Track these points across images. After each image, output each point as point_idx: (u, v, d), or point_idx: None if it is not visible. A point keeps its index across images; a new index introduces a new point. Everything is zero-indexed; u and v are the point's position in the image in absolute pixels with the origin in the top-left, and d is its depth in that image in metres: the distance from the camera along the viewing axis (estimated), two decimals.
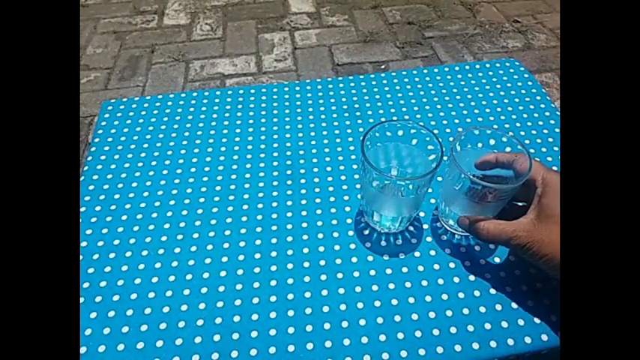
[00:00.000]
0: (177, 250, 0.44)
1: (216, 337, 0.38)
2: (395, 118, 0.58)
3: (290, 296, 0.40)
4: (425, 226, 0.46)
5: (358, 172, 0.51)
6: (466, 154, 0.42)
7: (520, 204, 0.43)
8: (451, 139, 0.55)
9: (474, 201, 0.39)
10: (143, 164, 0.52)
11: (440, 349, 0.37)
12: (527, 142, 0.55)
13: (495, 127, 0.57)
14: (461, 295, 0.40)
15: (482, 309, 0.39)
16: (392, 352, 0.37)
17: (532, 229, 0.36)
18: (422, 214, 0.47)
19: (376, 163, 0.43)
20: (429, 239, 0.45)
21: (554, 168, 0.51)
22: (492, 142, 0.41)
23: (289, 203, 0.48)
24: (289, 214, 0.47)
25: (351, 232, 0.45)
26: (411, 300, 0.40)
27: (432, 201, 0.48)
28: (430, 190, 0.49)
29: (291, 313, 0.39)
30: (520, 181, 0.37)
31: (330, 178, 0.50)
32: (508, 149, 0.40)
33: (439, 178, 0.49)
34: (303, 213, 0.47)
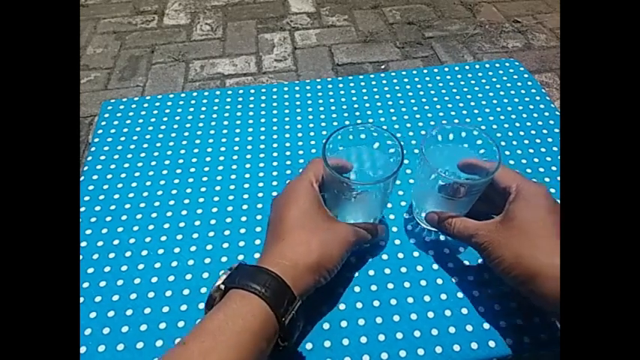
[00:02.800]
0: (176, 250, 0.44)
1: None
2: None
3: None
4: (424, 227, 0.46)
5: None
6: (438, 151, 0.42)
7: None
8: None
9: (447, 197, 0.40)
10: (143, 164, 0.52)
11: (439, 349, 0.37)
12: (526, 142, 0.55)
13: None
14: (459, 294, 0.40)
15: (481, 309, 0.39)
16: (391, 352, 0.37)
17: (493, 230, 0.37)
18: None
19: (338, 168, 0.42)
20: (428, 239, 0.45)
21: (554, 168, 0.51)
22: (463, 134, 0.41)
23: None
24: None
25: None
26: (410, 300, 0.40)
27: None
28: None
29: None
30: (490, 175, 0.37)
31: None
32: (479, 142, 0.40)
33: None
34: None
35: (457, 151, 0.42)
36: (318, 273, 0.35)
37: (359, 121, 0.58)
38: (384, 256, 0.43)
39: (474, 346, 0.37)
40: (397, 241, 0.45)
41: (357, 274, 0.42)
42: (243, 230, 0.46)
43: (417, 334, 0.38)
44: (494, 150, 0.38)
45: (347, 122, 0.57)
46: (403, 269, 0.42)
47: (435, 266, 0.43)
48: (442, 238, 0.45)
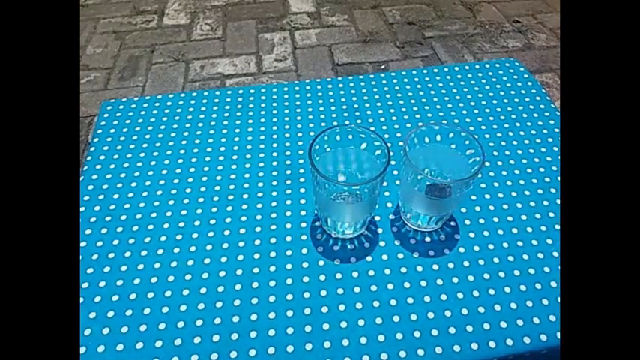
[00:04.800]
0: (176, 250, 0.44)
1: (216, 338, 0.38)
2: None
3: (289, 296, 0.40)
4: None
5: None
6: (423, 151, 0.41)
7: None
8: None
9: (434, 197, 0.39)
10: (142, 164, 0.52)
11: (439, 350, 0.37)
12: (526, 142, 0.54)
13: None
14: (460, 295, 0.40)
15: (481, 309, 0.39)
16: (391, 353, 0.37)
17: None
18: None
19: (325, 169, 0.42)
20: (427, 239, 0.45)
21: (554, 168, 0.51)
22: (451, 135, 0.41)
23: (288, 203, 0.48)
24: (288, 214, 0.47)
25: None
26: (410, 300, 0.40)
27: None
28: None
29: (290, 313, 0.39)
30: (475, 175, 0.37)
31: None
32: (467, 142, 0.40)
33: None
34: (302, 213, 0.47)
35: (443, 152, 0.41)
36: None
37: (347, 122, 0.57)
38: (384, 256, 0.43)
39: (474, 346, 0.37)
40: (397, 242, 0.44)
41: (356, 275, 0.42)
42: (242, 230, 0.46)
43: (417, 334, 0.38)
44: (479, 150, 0.38)
45: (347, 122, 0.57)
46: (403, 269, 0.42)
47: (435, 266, 0.43)
48: (443, 238, 0.45)
